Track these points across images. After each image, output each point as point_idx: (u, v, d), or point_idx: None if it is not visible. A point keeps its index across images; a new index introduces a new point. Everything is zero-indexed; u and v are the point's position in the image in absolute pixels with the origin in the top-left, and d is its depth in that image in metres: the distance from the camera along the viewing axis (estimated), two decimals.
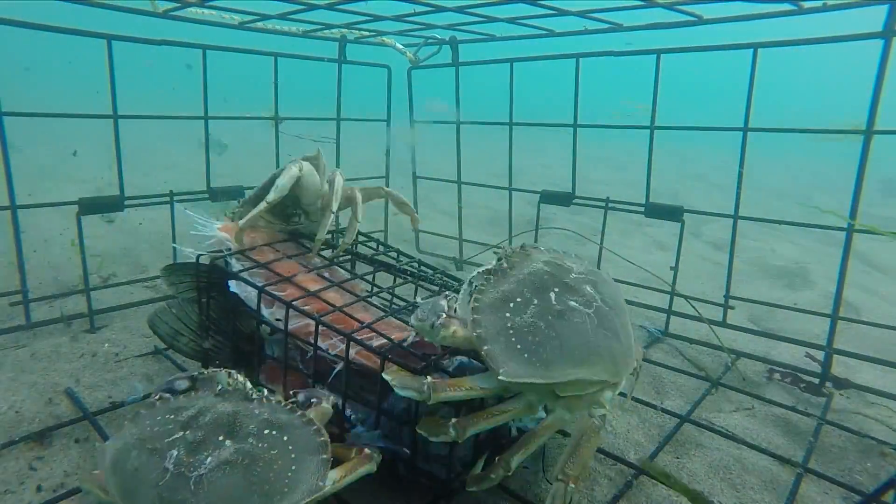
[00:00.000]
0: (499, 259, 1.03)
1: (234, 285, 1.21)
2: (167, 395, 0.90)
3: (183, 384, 0.94)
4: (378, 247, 1.60)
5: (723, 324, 1.81)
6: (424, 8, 1.68)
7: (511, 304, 0.92)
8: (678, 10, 1.55)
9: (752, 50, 1.58)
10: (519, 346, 0.87)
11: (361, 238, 1.63)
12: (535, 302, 0.92)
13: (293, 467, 0.78)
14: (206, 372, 0.96)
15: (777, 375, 1.59)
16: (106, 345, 1.59)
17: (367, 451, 0.89)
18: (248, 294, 1.20)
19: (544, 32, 1.96)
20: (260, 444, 0.79)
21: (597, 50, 1.89)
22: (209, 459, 0.76)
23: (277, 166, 2.16)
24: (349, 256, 1.50)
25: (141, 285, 2.03)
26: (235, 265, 1.25)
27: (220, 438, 0.79)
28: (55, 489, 1.04)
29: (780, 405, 1.47)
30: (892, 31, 1.36)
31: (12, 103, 1.49)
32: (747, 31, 1.57)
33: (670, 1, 1.47)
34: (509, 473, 0.91)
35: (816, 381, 1.59)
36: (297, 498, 0.76)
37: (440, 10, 1.68)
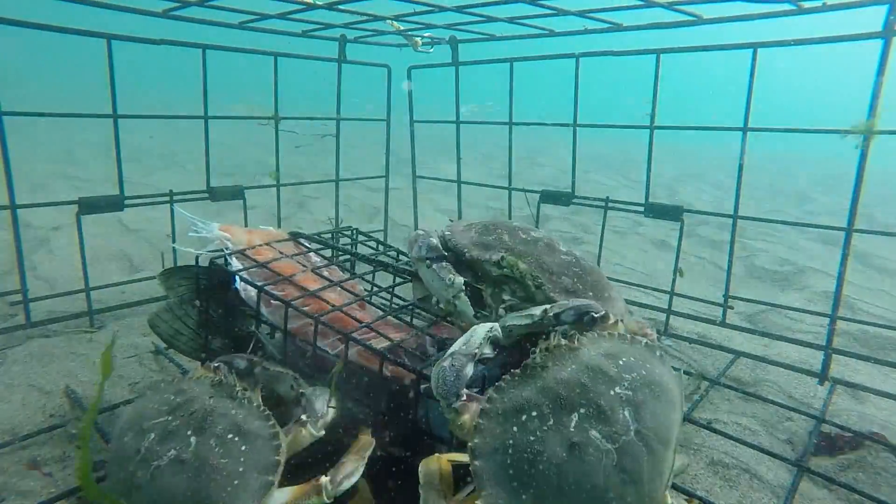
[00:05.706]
0: (540, 350, 0.89)
1: (239, 282, 1.21)
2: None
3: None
4: (378, 246, 1.60)
5: (722, 323, 1.81)
6: (424, 7, 1.68)
7: (523, 418, 0.81)
8: (678, 10, 1.55)
9: (752, 50, 1.58)
10: (511, 472, 0.78)
11: (361, 238, 1.63)
12: (550, 423, 0.80)
13: (235, 482, 0.78)
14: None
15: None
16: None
17: (322, 479, 0.85)
18: (249, 294, 1.20)
19: (544, 32, 1.96)
20: (217, 449, 0.80)
21: (597, 49, 1.89)
22: (171, 452, 0.79)
23: (277, 166, 2.17)
24: (349, 256, 1.50)
25: (141, 284, 2.03)
26: (236, 265, 1.25)
27: (188, 433, 0.81)
28: (55, 487, 1.04)
29: (779, 404, 1.47)
30: (892, 31, 1.36)
31: (12, 102, 1.49)
32: (747, 31, 1.57)
33: (670, 1, 1.47)
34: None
35: (815, 380, 1.60)
36: None
37: (440, 9, 1.68)
